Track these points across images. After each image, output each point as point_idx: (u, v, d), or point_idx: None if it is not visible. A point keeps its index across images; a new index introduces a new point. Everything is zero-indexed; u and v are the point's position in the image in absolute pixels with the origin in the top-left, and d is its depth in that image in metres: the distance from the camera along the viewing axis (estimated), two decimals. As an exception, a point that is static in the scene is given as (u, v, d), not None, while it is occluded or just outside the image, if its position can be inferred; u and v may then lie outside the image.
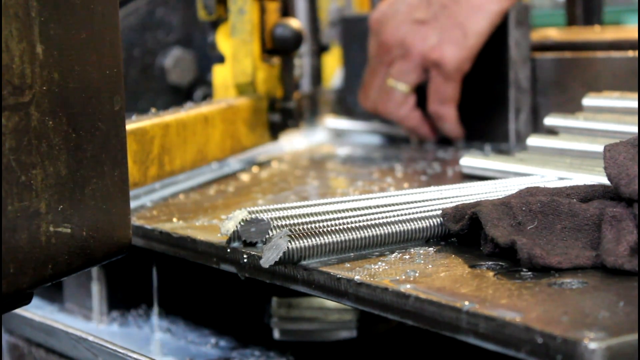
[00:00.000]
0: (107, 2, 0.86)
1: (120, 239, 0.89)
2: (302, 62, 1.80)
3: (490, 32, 1.50)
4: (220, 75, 1.52)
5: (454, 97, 1.54)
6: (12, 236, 0.76)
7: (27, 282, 0.78)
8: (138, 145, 1.13)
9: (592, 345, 0.61)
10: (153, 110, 1.25)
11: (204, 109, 1.31)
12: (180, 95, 1.81)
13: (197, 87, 1.81)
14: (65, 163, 0.81)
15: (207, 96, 1.78)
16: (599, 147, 1.13)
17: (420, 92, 1.58)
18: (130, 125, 1.12)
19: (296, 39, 1.49)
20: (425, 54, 1.52)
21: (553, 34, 1.67)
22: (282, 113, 1.51)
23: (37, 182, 0.78)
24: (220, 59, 1.53)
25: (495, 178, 1.14)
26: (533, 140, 1.23)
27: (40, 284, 0.80)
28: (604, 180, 0.97)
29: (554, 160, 1.15)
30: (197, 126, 1.27)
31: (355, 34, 1.81)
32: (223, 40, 1.52)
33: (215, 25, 1.55)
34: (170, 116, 1.22)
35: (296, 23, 1.50)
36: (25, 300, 0.81)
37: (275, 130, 1.52)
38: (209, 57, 1.65)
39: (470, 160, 1.24)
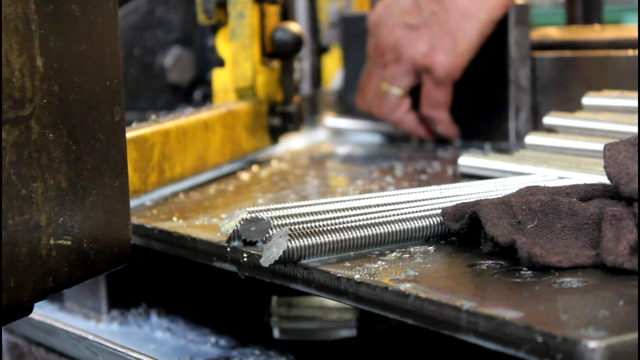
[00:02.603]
0: (107, 13, 0.86)
1: (120, 249, 0.89)
2: (302, 66, 1.80)
3: (482, 41, 1.50)
4: (220, 79, 1.52)
5: (445, 101, 1.55)
6: (12, 250, 0.76)
7: (28, 295, 0.78)
8: (138, 153, 1.13)
9: (592, 344, 0.61)
10: (153, 116, 1.24)
11: (204, 114, 1.31)
12: (180, 95, 1.81)
13: (197, 86, 1.81)
14: (65, 175, 0.81)
15: (207, 95, 1.78)
16: (597, 146, 1.13)
17: (417, 91, 1.59)
18: (130, 133, 1.11)
19: (296, 42, 1.48)
20: (416, 60, 1.53)
21: (553, 33, 1.67)
22: (282, 117, 1.51)
23: (37, 195, 0.78)
24: (220, 63, 1.52)
25: (494, 177, 1.14)
26: (531, 139, 1.23)
27: (41, 297, 0.80)
28: (603, 179, 0.97)
29: (552, 159, 1.15)
30: (197, 132, 1.27)
31: (355, 33, 1.81)
32: (223, 44, 1.51)
33: (215, 29, 1.55)
34: (170, 123, 1.22)
35: (296, 27, 1.50)
36: (26, 312, 0.81)
37: (275, 134, 1.52)
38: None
39: (468, 160, 1.24)
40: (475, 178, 1.16)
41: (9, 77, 0.75)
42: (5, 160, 0.75)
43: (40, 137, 0.78)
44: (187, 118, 1.26)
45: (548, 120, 1.26)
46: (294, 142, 1.68)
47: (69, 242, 0.82)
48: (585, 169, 1.08)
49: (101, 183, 0.86)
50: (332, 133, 1.80)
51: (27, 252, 0.77)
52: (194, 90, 1.81)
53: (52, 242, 0.80)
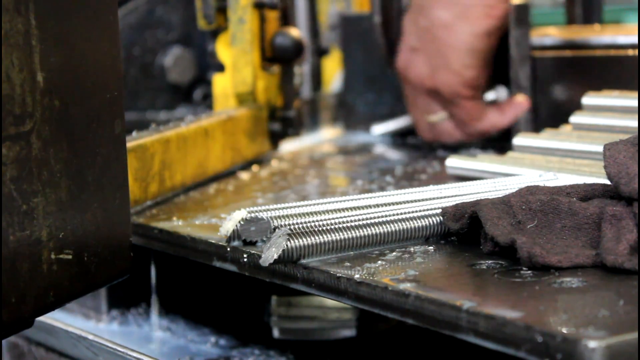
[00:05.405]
0: (107, 26, 0.86)
1: (121, 261, 0.89)
2: (302, 70, 1.80)
3: (481, 56, 1.45)
4: (220, 84, 1.51)
5: (469, 117, 1.49)
6: (13, 265, 0.75)
7: (29, 311, 0.78)
8: (139, 163, 1.12)
9: (592, 344, 0.61)
10: (153, 125, 1.24)
11: (204, 121, 1.31)
12: (180, 94, 1.81)
13: (197, 85, 1.81)
14: (66, 189, 0.81)
15: (207, 95, 1.78)
16: (585, 146, 1.13)
17: None
18: (130, 143, 1.10)
19: (296, 48, 1.48)
20: (425, 84, 1.49)
21: (553, 32, 1.67)
22: (282, 122, 1.51)
23: (38, 210, 0.78)
24: (220, 68, 1.52)
25: (482, 178, 1.13)
26: (519, 140, 1.23)
27: (41, 312, 0.80)
28: (590, 179, 0.97)
29: (540, 160, 1.15)
30: (197, 140, 1.27)
31: (355, 33, 1.81)
32: (223, 50, 1.51)
33: (215, 34, 1.54)
34: (170, 131, 1.21)
35: (296, 32, 1.50)
36: (26, 326, 0.81)
37: (275, 139, 1.51)
38: (209, 56, 1.65)
39: (455, 161, 1.23)
40: (463, 179, 1.16)
41: (9, 94, 0.75)
42: (5, 177, 0.74)
43: (40, 153, 0.78)
44: (187, 126, 1.26)
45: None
46: (294, 143, 1.68)
47: (70, 257, 0.82)
48: (572, 169, 1.07)
49: (102, 196, 0.86)
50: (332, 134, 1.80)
51: (28, 267, 0.77)
52: (194, 90, 1.81)
53: (53, 256, 0.80)
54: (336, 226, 0.84)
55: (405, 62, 1.52)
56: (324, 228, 0.84)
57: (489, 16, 1.43)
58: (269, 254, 0.83)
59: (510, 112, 1.49)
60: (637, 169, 0.80)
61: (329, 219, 0.90)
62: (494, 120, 1.49)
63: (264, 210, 0.93)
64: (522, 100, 1.48)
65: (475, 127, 1.50)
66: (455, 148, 1.55)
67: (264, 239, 0.90)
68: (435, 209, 0.90)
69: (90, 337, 1.08)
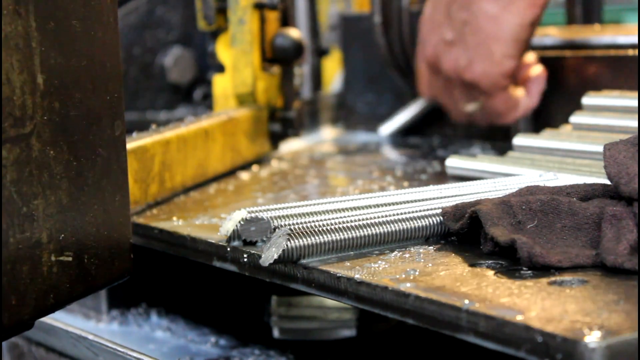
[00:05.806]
0: (107, 28, 0.86)
1: (121, 263, 0.89)
2: (302, 71, 1.80)
3: (522, 47, 1.43)
4: (221, 85, 1.51)
5: (507, 107, 1.48)
6: (13, 268, 0.75)
7: (29, 313, 0.78)
8: (139, 164, 1.12)
9: (592, 344, 0.61)
10: (154, 126, 1.24)
11: (205, 123, 1.30)
12: (180, 94, 1.81)
13: (197, 85, 1.81)
14: (66, 191, 0.81)
15: (207, 95, 1.78)
16: (585, 146, 1.13)
17: None
18: (130, 144, 1.10)
19: (296, 48, 1.48)
20: (462, 76, 1.47)
21: (553, 32, 1.67)
22: (282, 122, 1.51)
23: (38, 212, 0.78)
24: (220, 69, 1.52)
25: (482, 178, 1.13)
26: (520, 140, 1.23)
27: (42, 314, 0.79)
28: (590, 179, 0.97)
29: (540, 160, 1.15)
30: (197, 141, 1.27)
31: (355, 33, 1.81)
32: (223, 50, 1.51)
33: (215, 35, 1.55)
34: (170, 132, 1.21)
35: (296, 33, 1.50)
36: (26, 328, 0.81)
37: (275, 140, 1.51)
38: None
39: (456, 161, 1.23)
40: (463, 179, 1.16)
41: (9, 96, 0.75)
42: (6, 179, 0.74)
43: (41, 155, 0.78)
44: (187, 127, 1.26)
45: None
46: (294, 143, 1.68)
47: (70, 258, 0.82)
48: (572, 169, 1.07)
49: (102, 198, 0.86)
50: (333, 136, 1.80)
51: (28, 269, 0.77)
52: (194, 90, 1.81)
53: (53, 258, 0.80)
54: (336, 226, 0.84)
55: (437, 55, 1.50)
56: (324, 228, 0.84)
57: (534, 5, 1.42)
58: (269, 254, 0.83)
59: (534, 89, 1.49)
60: (637, 169, 0.80)
61: (329, 219, 0.90)
62: (525, 104, 1.49)
63: (264, 210, 0.93)
64: (539, 73, 1.48)
65: (510, 117, 1.49)
66: (455, 148, 1.55)
67: (264, 239, 0.90)
68: (435, 209, 0.90)
69: (90, 337, 1.08)
